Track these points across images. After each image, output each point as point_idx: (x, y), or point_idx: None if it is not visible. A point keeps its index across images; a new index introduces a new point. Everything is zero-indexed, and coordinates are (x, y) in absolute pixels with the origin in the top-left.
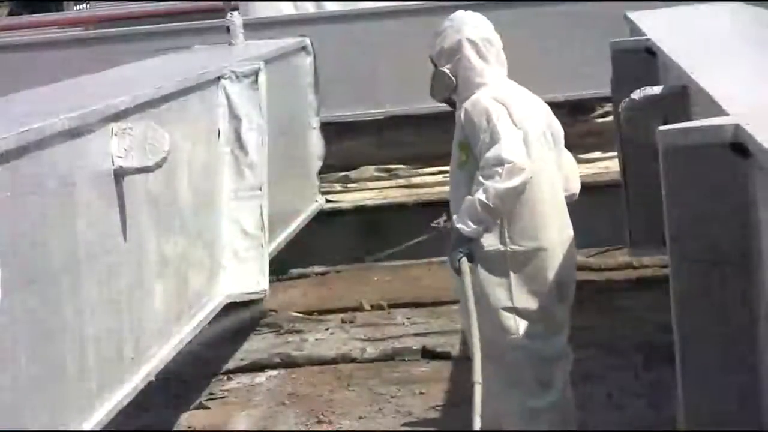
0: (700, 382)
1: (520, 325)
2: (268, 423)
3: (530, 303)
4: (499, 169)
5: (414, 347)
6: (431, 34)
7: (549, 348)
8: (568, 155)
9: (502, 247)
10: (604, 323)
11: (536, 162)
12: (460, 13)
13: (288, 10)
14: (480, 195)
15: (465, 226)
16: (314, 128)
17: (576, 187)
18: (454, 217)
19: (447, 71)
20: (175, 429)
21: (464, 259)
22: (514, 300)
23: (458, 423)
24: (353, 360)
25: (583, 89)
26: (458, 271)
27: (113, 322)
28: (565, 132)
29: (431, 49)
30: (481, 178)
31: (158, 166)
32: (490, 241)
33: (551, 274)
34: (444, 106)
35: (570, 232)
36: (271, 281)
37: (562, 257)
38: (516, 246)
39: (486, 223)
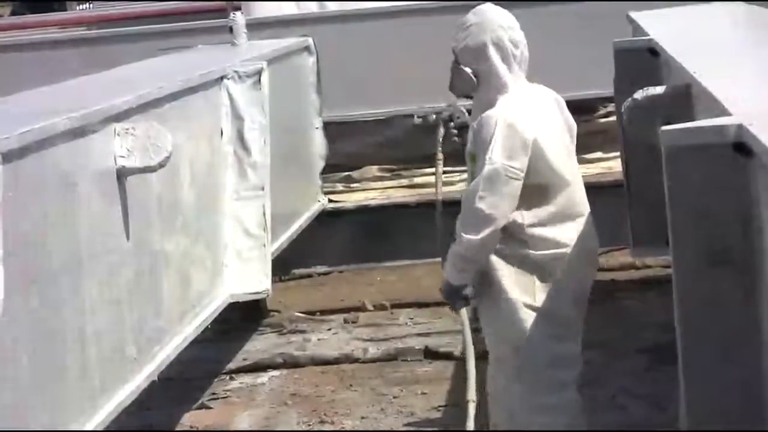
0: (702, 382)
1: (537, 326)
2: (270, 423)
3: (550, 305)
4: (472, 219)
5: (417, 347)
6: (436, 34)
7: (563, 351)
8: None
9: (525, 252)
10: (607, 324)
11: (555, 176)
12: (485, 8)
13: (291, 10)
14: (457, 246)
15: (451, 278)
16: (317, 128)
17: None
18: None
19: (469, 72)
20: (177, 429)
21: (463, 310)
22: (536, 301)
23: (461, 424)
24: (356, 360)
25: (585, 89)
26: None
27: (116, 321)
28: None
29: (454, 42)
30: (458, 227)
31: (161, 166)
32: (513, 247)
33: (572, 280)
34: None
35: (593, 239)
36: (273, 281)
37: (584, 265)
38: (540, 251)
39: (469, 271)
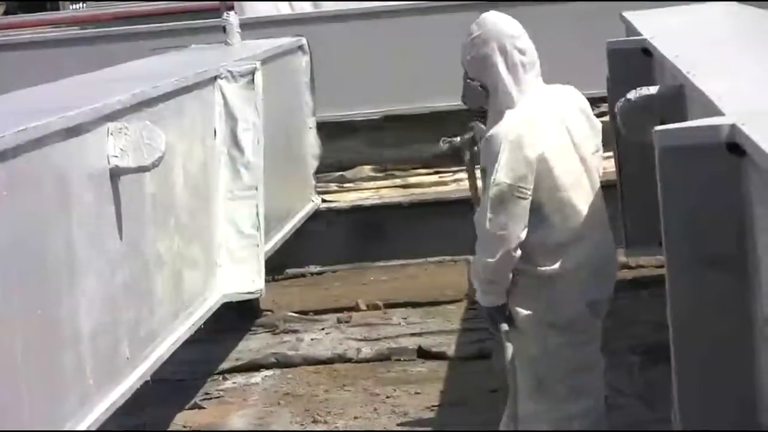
0: (695, 382)
1: (553, 336)
2: (263, 423)
3: (562, 317)
4: (485, 242)
5: (410, 347)
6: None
7: (581, 357)
8: None
9: (533, 269)
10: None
11: (564, 186)
12: (489, 18)
13: (284, 9)
14: (476, 270)
15: (481, 300)
16: (310, 128)
17: None
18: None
19: (476, 84)
20: (170, 429)
21: (503, 327)
22: (549, 312)
23: (455, 423)
24: (349, 360)
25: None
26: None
27: (109, 321)
28: None
29: (462, 54)
30: (476, 249)
31: (154, 165)
32: (522, 263)
33: (586, 291)
34: (441, 107)
35: (612, 249)
36: (266, 281)
37: (600, 275)
38: (550, 266)
39: (495, 292)
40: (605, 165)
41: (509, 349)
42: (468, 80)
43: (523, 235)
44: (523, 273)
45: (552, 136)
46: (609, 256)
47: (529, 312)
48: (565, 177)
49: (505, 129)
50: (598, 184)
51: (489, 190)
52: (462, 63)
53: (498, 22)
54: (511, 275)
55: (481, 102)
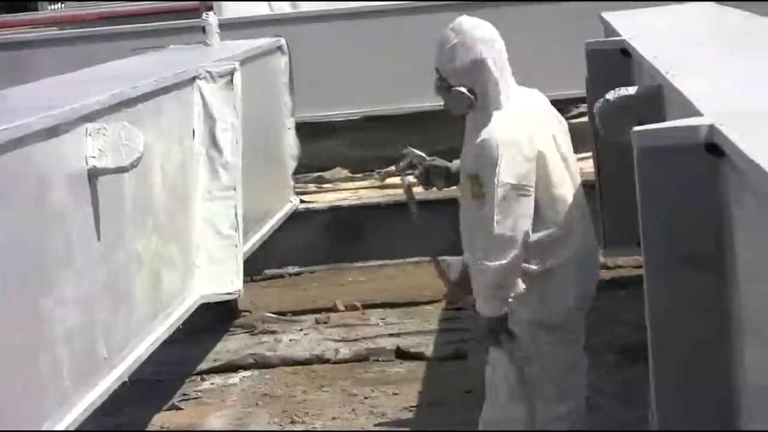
0: (673, 382)
1: (543, 335)
2: (241, 423)
3: (553, 315)
4: (495, 246)
5: (388, 348)
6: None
7: (568, 356)
8: None
9: (526, 266)
10: None
11: (557, 188)
12: (465, 24)
13: (263, 10)
14: (480, 276)
15: (487, 311)
16: (289, 128)
17: None
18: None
19: (464, 90)
20: (148, 429)
21: (504, 339)
22: (537, 312)
23: (432, 424)
24: (327, 361)
25: (557, 89)
26: (500, 343)
27: (86, 322)
28: None
29: (438, 63)
30: (479, 256)
31: (133, 166)
32: None
33: (574, 287)
34: (420, 107)
35: (594, 244)
36: (245, 281)
37: (584, 270)
38: (539, 265)
39: (504, 300)
40: (583, 165)
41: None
42: (452, 88)
43: (529, 233)
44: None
45: (539, 134)
46: (593, 252)
47: (520, 312)
48: (555, 174)
49: (498, 131)
50: (579, 181)
51: (494, 193)
52: (440, 71)
53: (476, 26)
54: (518, 280)
55: (467, 109)
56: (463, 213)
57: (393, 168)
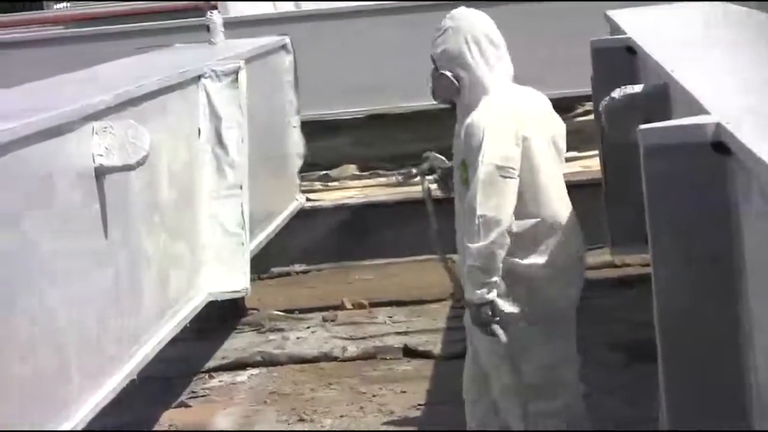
0: (682, 381)
1: (529, 333)
2: (249, 421)
3: (540, 312)
4: (475, 226)
5: (395, 346)
6: (413, 33)
7: (557, 352)
8: None
9: (513, 261)
10: (585, 322)
11: (542, 176)
12: (461, 12)
13: (267, 9)
14: (468, 260)
15: (473, 296)
16: (295, 127)
17: None
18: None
19: (449, 75)
20: (156, 427)
21: (496, 328)
22: (524, 307)
23: (440, 422)
24: (335, 358)
25: (563, 88)
26: (492, 333)
27: (94, 320)
28: None
29: (432, 48)
30: (465, 241)
31: (139, 164)
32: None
33: (560, 284)
34: (425, 105)
35: (579, 242)
36: (252, 279)
37: (570, 268)
38: (524, 260)
39: (488, 284)
40: (589, 164)
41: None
42: (439, 73)
43: (512, 217)
44: (504, 265)
45: (530, 122)
46: (579, 251)
47: (507, 306)
48: (542, 164)
49: (485, 114)
50: (563, 185)
51: (476, 174)
52: (432, 57)
53: (469, 15)
54: (501, 265)
55: (452, 95)
56: (458, 204)
57: (413, 171)
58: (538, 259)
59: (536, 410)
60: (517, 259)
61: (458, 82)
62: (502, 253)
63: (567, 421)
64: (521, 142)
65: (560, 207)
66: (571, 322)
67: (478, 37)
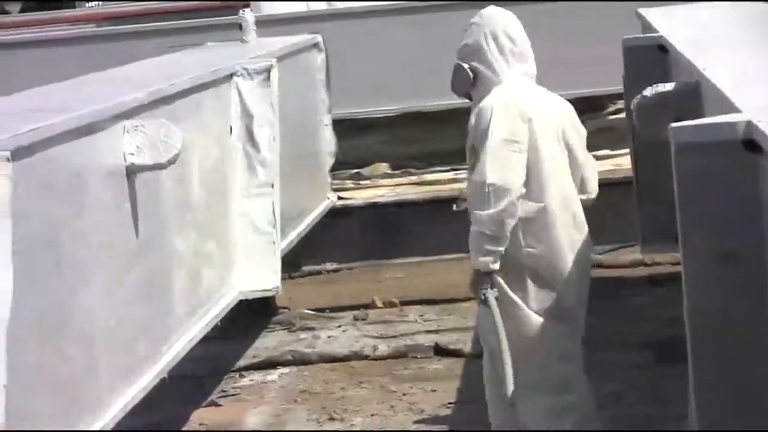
0: (712, 380)
1: (538, 326)
2: (280, 420)
3: (546, 304)
4: (485, 195)
5: (426, 344)
6: (444, 31)
7: (568, 347)
8: (589, 157)
9: (514, 251)
10: (616, 321)
11: (547, 163)
12: (488, 10)
13: (300, 7)
14: (475, 226)
15: (477, 265)
16: (326, 125)
17: (593, 189)
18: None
19: (465, 66)
20: (187, 426)
21: (489, 292)
22: (530, 302)
23: (470, 421)
24: (365, 357)
25: (594, 86)
26: (485, 303)
27: (125, 319)
28: None
29: (460, 45)
30: (471, 208)
31: (170, 163)
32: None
33: (565, 275)
34: (457, 104)
35: (584, 233)
36: (283, 278)
37: (575, 258)
38: (528, 249)
39: (493, 252)
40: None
41: (496, 316)
42: (457, 64)
43: (521, 189)
44: (509, 256)
45: (539, 112)
46: (585, 241)
47: (516, 301)
48: (546, 152)
49: (495, 98)
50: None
51: (485, 149)
52: (457, 52)
53: (495, 12)
54: (509, 236)
55: (467, 87)
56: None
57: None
58: (544, 247)
59: (541, 408)
60: (522, 248)
61: (474, 74)
62: (511, 223)
63: (576, 420)
64: (527, 122)
65: (565, 198)
66: (579, 320)
67: (497, 33)
